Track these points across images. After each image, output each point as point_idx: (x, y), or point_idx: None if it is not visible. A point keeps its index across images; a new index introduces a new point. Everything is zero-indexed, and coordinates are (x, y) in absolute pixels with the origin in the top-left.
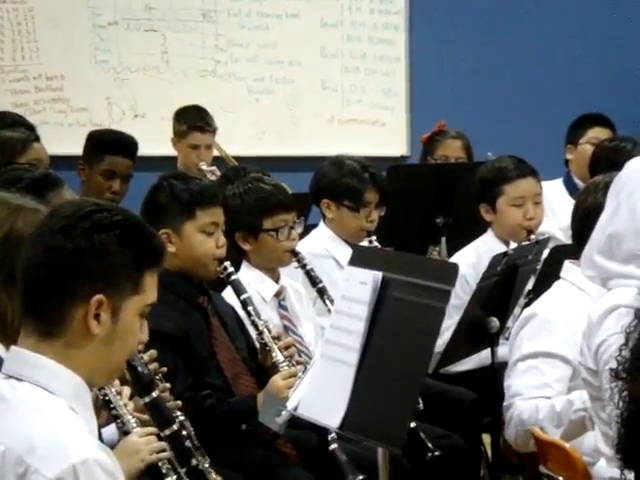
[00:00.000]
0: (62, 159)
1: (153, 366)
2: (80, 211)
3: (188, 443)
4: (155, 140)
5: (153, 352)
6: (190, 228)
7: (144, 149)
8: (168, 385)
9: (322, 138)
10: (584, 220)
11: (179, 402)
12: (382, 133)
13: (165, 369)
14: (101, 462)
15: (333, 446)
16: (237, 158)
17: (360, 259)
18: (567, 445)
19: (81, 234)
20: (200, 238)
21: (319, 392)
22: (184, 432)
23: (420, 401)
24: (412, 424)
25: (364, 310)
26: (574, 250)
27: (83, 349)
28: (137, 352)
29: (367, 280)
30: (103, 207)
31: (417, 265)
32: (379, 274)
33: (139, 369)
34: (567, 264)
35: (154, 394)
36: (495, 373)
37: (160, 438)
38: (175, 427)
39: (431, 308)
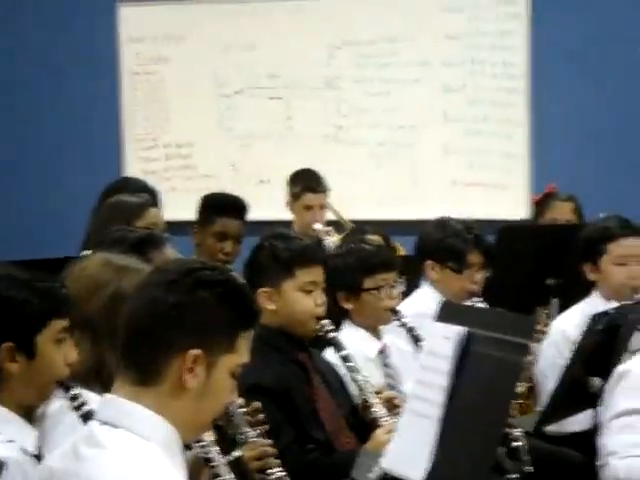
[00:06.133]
0: (190, 224)
1: (258, 418)
2: (185, 267)
3: None
4: (280, 205)
5: (257, 403)
6: (289, 287)
7: (269, 214)
8: (270, 441)
9: (444, 202)
10: None
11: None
12: (504, 196)
13: (267, 426)
14: None
15: None
16: (358, 222)
17: (445, 316)
18: None
19: (184, 289)
20: (299, 297)
21: (404, 446)
22: None
23: (530, 463)
24: None
25: (447, 365)
26: None
27: (176, 402)
28: (238, 407)
29: (450, 335)
30: (208, 266)
31: (497, 320)
32: (462, 329)
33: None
34: None
35: (236, 453)
36: (597, 433)
37: None
38: None
39: (509, 362)
